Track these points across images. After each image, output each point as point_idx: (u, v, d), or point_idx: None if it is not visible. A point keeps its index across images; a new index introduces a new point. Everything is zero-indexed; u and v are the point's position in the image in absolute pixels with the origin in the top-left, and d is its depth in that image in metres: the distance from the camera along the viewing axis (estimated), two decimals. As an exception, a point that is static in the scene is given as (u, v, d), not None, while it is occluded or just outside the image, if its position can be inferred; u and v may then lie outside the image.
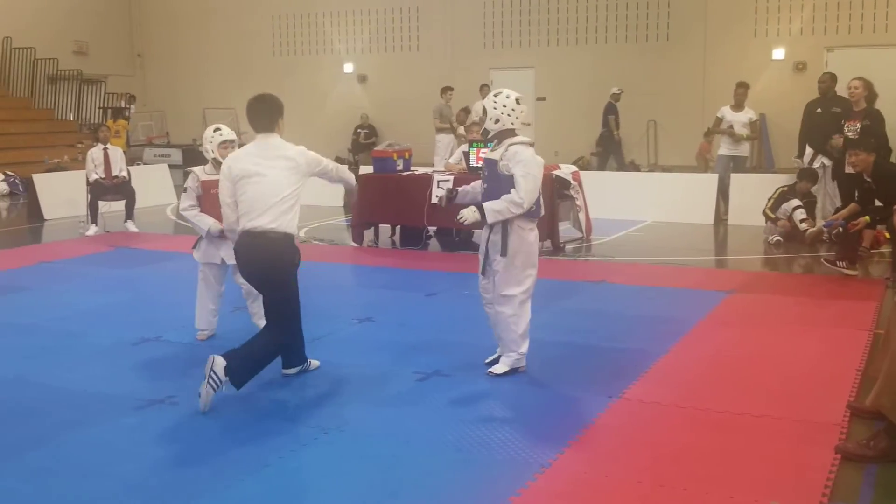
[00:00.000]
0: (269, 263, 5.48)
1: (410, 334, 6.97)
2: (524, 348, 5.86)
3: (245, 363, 5.30)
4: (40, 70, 23.05)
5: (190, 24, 25.34)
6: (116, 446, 4.77)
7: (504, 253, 5.70)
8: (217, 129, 6.73)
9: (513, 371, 5.87)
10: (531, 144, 5.76)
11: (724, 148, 13.44)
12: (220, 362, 5.14)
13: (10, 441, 4.85)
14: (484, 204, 5.66)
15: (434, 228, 11.49)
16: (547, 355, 6.24)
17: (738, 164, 13.41)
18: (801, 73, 18.80)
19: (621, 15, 20.47)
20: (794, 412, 5.13)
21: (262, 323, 6.78)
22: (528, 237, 5.75)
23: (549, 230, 10.73)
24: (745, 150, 13.55)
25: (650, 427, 4.98)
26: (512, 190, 5.57)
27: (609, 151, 18.86)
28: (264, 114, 5.59)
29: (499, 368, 5.87)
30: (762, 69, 19.08)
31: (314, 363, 6.02)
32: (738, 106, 13.29)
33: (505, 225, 5.69)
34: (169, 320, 7.31)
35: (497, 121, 5.73)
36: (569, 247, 11.00)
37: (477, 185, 6.02)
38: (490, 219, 5.63)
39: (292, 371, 5.89)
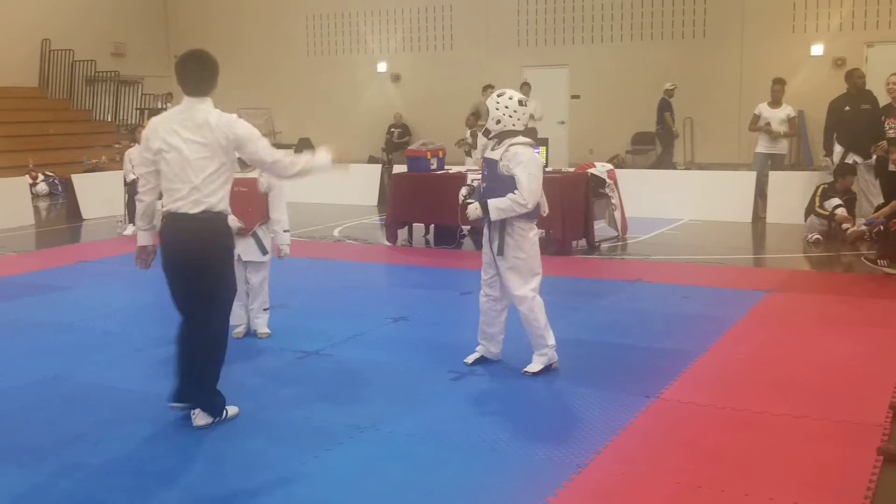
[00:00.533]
0: (200, 250, 4.83)
1: (445, 333, 6.96)
2: (551, 339, 5.88)
3: (200, 384, 4.93)
4: (79, 71, 23.34)
5: (224, 26, 25.50)
6: (155, 444, 4.80)
7: (501, 252, 5.75)
8: None
9: (547, 369, 5.85)
10: (532, 145, 5.78)
11: (761, 145, 13.31)
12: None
13: (50, 438, 4.90)
14: (488, 201, 5.68)
15: (468, 227, 11.46)
16: (583, 354, 6.21)
17: (775, 162, 13.26)
18: (841, 69, 18.41)
19: (657, 11, 20.31)
20: (834, 413, 5.05)
21: (260, 320, 6.82)
22: (528, 235, 5.79)
23: (584, 228, 10.67)
24: (782, 147, 13.40)
25: (688, 427, 4.92)
26: (515, 190, 5.59)
27: (667, 149, 18.24)
28: (194, 73, 4.87)
29: (533, 367, 5.86)
30: (801, 65, 18.83)
31: (231, 411, 5.11)
32: (775, 103, 13.15)
33: (503, 225, 5.73)
34: (205, 319, 7.34)
35: (498, 121, 5.72)
36: (604, 245, 10.93)
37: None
38: (493, 216, 5.67)
39: (179, 406, 5.05)
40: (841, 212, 10.58)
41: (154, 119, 4.98)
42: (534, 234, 5.83)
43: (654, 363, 6.04)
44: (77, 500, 4.15)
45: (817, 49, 18.88)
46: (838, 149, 11.48)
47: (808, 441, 4.67)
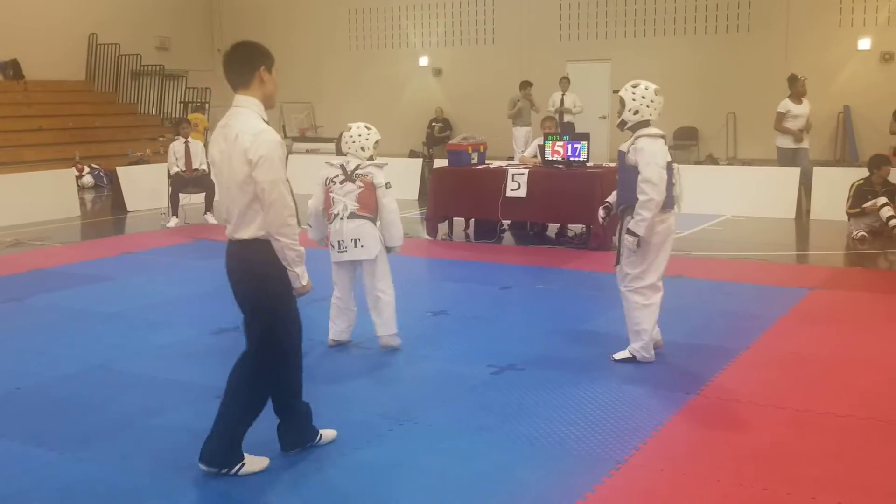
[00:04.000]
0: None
1: (484, 328, 6.96)
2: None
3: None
4: (124, 65, 23.63)
5: (267, 19, 25.66)
6: (196, 434, 4.83)
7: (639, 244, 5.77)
8: (369, 128, 6.32)
9: (630, 360, 5.94)
10: (660, 136, 5.78)
11: (787, 141, 13.15)
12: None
13: (93, 426, 4.98)
14: (629, 225, 5.71)
15: (508, 222, 11.46)
16: (622, 350, 6.17)
17: (802, 157, 13.16)
18: (888, 64, 18.25)
19: (700, 5, 20.11)
20: (879, 412, 4.98)
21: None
22: (657, 228, 5.78)
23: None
24: (807, 142, 13.29)
25: (728, 425, 4.89)
26: (639, 193, 5.61)
27: None
28: (236, 65, 4.25)
29: (619, 354, 5.97)
30: (847, 60, 18.56)
31: (328, 435, 4.69)
32: (797, 97, 13.08)
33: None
34: (247, 311, 7.42)
35: (636, 112, 5.77)
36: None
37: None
38: (639, 231, 5.66)
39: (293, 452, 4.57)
40: (886, 210, 10.41)
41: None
42: (664, 226, 5.82)
43: (695, 360, 6.00)
44: (121, 489, 4.21)
45: (864, 43, 18.57)
46: None
47: (853, 440, 4.61)
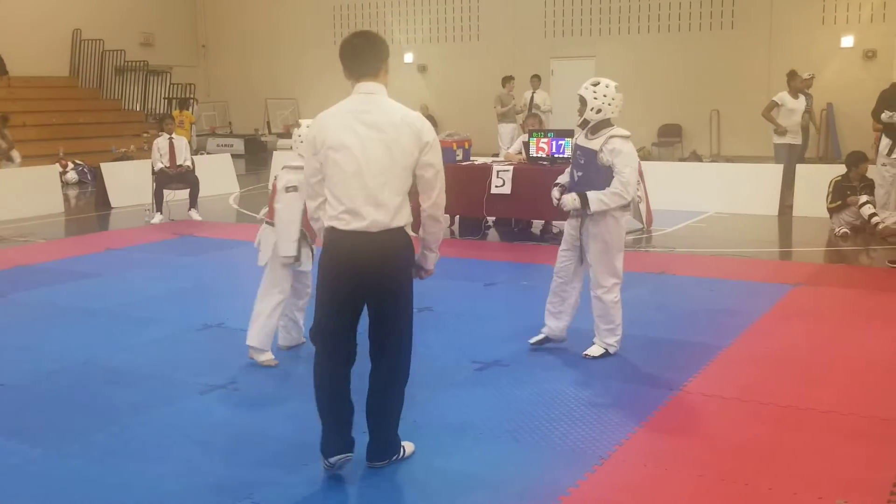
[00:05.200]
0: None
1: (469, 324, 6.98)
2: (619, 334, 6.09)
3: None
4: (108, 61, 23.52)
5: (252, 16, 25.62)
6: (180, 430, 4.86)
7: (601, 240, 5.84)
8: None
9: (605, 354, 6.02)
10: (629, 136, 5.80)
11: (787, 137, 13.19)
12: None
13: (78, 422, 4.97)
14: (588, 193, 5.72)
15: (493, 219, 11.47)
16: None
17: (795, 153, 13.22)
18: (871, 61, 18.37)
19: (685, 3, 20.19)
20: (862, 408, 5.02)
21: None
22: (621, 223, 5.89)
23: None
24: (800, 138, 13.36)
25: (711, 421, 4.92)
26: (614, 183, 5.66)
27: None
28: (368, 53, 4.22)
29: (594, 351, 6.02)
30: (830, 57, 18.67)
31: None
32: (794, 92, 13.13)
33: (603, 214, 5.81)
34: (231, 307, 7.40)
35: (599, 111, 5.76)
36: (629, 238, 10.86)
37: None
38: (594, 207, 5.72)
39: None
40: (867, 208, 10.47)
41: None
42: (625, 220, 5.96)
43: (678, 356, 6.03)
44: (105, 484, 4.21)
45: (847, 41, 18.69)
46: (886, 141, 11.16)
47: (834, 436, 4.65)
